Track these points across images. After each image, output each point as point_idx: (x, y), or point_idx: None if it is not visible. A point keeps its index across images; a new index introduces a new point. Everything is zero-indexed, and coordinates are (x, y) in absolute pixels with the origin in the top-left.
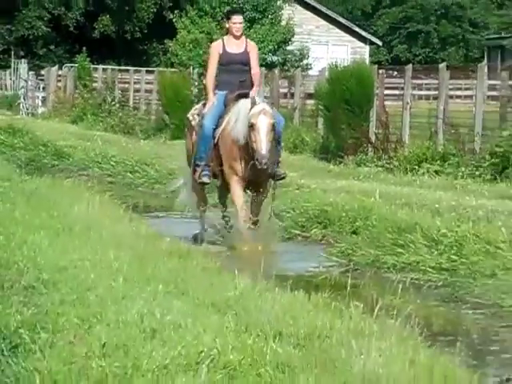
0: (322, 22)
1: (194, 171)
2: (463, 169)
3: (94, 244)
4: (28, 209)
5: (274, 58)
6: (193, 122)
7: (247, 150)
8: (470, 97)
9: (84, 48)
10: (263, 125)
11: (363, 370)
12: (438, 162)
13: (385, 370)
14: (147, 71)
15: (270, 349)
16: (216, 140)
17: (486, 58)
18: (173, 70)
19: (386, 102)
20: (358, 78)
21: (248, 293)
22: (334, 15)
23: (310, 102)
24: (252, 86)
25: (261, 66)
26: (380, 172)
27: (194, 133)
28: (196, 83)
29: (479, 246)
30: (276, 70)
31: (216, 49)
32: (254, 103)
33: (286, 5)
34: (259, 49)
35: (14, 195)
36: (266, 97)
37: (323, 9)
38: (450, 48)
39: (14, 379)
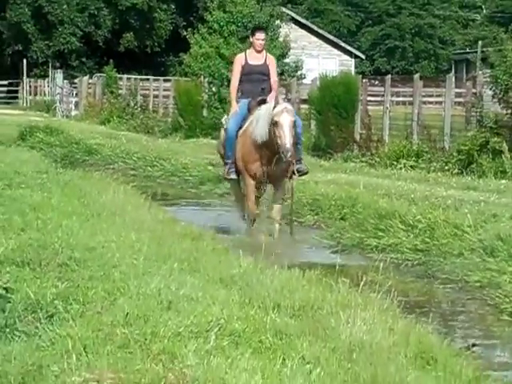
0: (314, 39)
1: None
2: (434, 164)
3: (119, 227)
4: (62, 197)
5: None
6: (225, 126)
7: (266, 149)
8: (440, 103)
9: (111, 60)
10: (286, 121)
11: (350, 336)
12: (413, 158)
13: (368, 336)
14: (165, 80)
15: (270, 319)
16: (238, 140)
17: (453, 70)
18: (186, 79)
19: (369, 107)
20: (344, 87)
21: (251, 270)
22: (324, 33)
23: (304, 106)
24: (270, 91)
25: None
26: (364, 167)
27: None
28: (206, 90)
29: (448, 229)
30: None
31: (239, 61)
32: (277, 102)
33: (284, 24)
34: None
35: (50, 185)
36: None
37: (315, 27)
38: (423, 61)
39: (50, 343)
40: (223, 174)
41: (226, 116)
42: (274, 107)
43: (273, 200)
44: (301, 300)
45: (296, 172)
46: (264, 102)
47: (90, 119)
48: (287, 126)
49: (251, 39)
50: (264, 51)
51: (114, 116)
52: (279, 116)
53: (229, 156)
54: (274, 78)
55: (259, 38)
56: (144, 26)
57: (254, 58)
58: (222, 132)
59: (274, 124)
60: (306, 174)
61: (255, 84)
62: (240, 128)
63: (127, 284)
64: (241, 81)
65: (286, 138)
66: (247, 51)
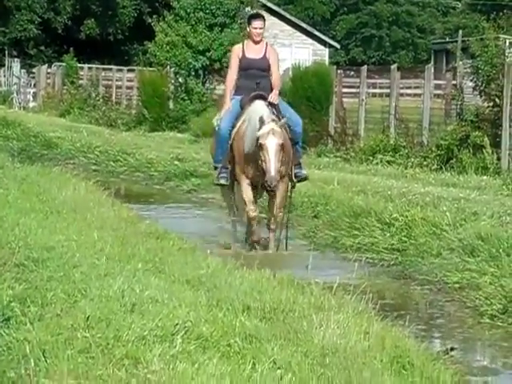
0: (286, 27)
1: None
2: (412, 159)
3: (80, 226)
4: (20, 194)
5: None
6: (216, 127)
7: (255, 158)
8: (419, 95)
9: (71, 48)
10: (272, 146)
11: (323, 340)
12: (390, 153)
13: (342, 340)
14: (128, 70)
15: (239, 322)
16: (231, 141)
17: (432, 60)
18: (151, 69)
19: (344, 99)
20: (318, 78)
21: (219, 271)
22: (297, 21)
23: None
24: (270, 89)
25: None
26: (338, 162)
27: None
28: (172, 81)
29: (426, 228)
30: None
31: (236, 53)
32: (262, 122)
33: (254, 11)
34: (229, 51)
35: (7, 181)
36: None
37: (287, 15)
38: (401, 51)
39: (6, 348)
40: (214, 179)
41: (217, 115)
42: (260, 128)
43: (270, 208)
44: (271, 302)
45: (294, 177)
46: (258, 97)
47: (49, 111)
48: (273, 150)
49: (248, 29)
50: (264, 42)
51: (74, 108)
52: (265, 139)
53: (219, 160)
54: (275, 73)
55: (256, 26)
56: (106, 13)
57: (253, 51)
58: (214, 136)
59: (260, 146)
60: (305, 179)
61: (251, 80)
62: (233, 127)
63: (88, 285)
64: (238, 75)
65: (272, 165)
66: (245, 42)
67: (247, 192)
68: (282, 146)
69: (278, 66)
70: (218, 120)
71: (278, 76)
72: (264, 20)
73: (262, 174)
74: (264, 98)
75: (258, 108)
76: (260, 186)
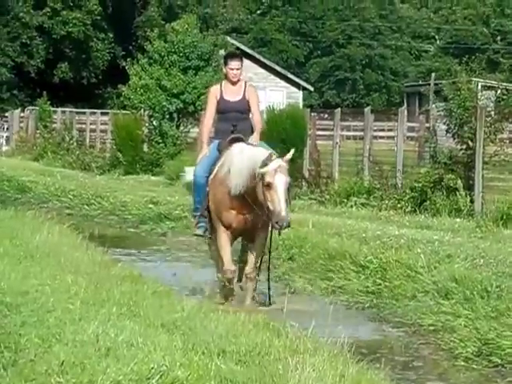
0: (261, 70)
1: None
2: (386, 202)
3: (54, 270)
4: None
5: None
6: (187, 178)
7: (242, 200)
8: (392, 137)
9: (44, 92)
10: (281, 184)
11: (298, 383)
12: (365, 195)
13: (318, 383)
14: (102, 113)
15: (215, 365)
16: (208, 188)
17: (405, 103)
18: (125, 112)
19: (318, 142)
20: (292, 120)
21: (194, 314)
22: (271, 64)
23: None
24: (250, 132)
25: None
26: (313, 204)
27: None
28: (146, 124)
29: (401, 270)
30: None
31: (213, 94)
32: (269, 159)
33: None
34: (203, 94)
35: None
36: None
37: (261, 58)
38: (374, 94)
39: None
40: (192, 230)
41: (185, 167)
42: (265, 164)
43: (249, 252)
44: (247, 345)
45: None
46: (236, 140)
47: (22, 155)
48: (282, 189)
49: (224, 69)
50: (242, 82)
51: (48, 152)
52: (272, 177)
53: (197, 208)
54: (256, 116)
55: (233, 67)
56: (80, 56)
57: (231, 93)
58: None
59: (267, 185)
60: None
61: (228, 123)
62: (210, 173)
63: (63, 330)
64: (215, 118)
65: (282, 205)
66: (222, 83)
67: (225, 247)
68: (289, 185)
69: (259, 107)
70: (188, 170)
71: (259, 118)
72: (241, 59)
73: (244, 218)
74: (241, 140)
75: (240, 149)
76: (242, 235)
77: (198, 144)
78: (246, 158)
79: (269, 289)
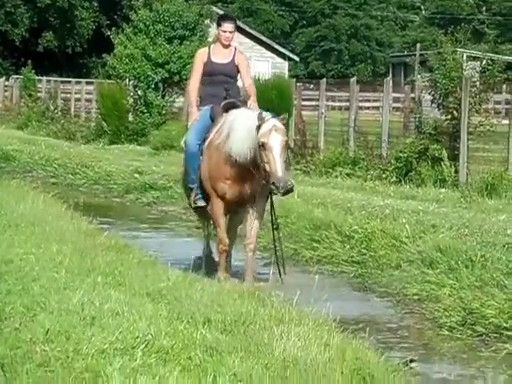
0: (246, 40)
1: (189, 197)
2: (372, 172)
3: (38, 239)
4: None
5: None
6: (184, 148)
7: (242, 166)
8: (377, 108)
9: (29, 61)
10: (277, 144)
11: (284, 352)
12: (350, 165)
13: (303, 352)
14: (87, 82)
15: (200, 334)
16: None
17: (390, 74)
18: (110, 81)
19: (304, 112)
20: (278, 91)
21: (179, 283)
22: (256, 34)
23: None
24: (239, 96)
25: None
26: (298, 174)
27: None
28: (131, 94)
29: (386, 240)
30: None
31: (200, 56)
32: (261, 119)
33: (213, 23)
34: (188, 64)
35: None
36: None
37: (247, 28)
38: (360, 64)
39: None
40: (188, 202)
41: (185, 136)
42: (259, 126)
43: (248, 221)
44: (232, 315)
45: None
46: (232, 106)
47: (7, 124)
48: (278, 149)
49: (216, 31)
50: (233, 47)
51: (32, 120)
52: (267, 137)
53: (193, 179)
54: (247, 79)
55: (226, 29)
56: (64, 25)
57: (219, 55)
58: (183, 156)
59: (262, 146)
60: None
61: (219, 87)
62: (204, 140)
63: (47, 299)
64: (201, 83)
65: (278, 165)
66: (211, 46)
67: (220, 219)
68: (287, 144)
69: (249, 72)
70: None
71: (250, 82)
72: (235, 22)
73: (241, 187)
74: (237, 107)
75: (241, 114)
76: (234, 206)
77: (184, 110)
78: (245, 124)
79: (283, 259)
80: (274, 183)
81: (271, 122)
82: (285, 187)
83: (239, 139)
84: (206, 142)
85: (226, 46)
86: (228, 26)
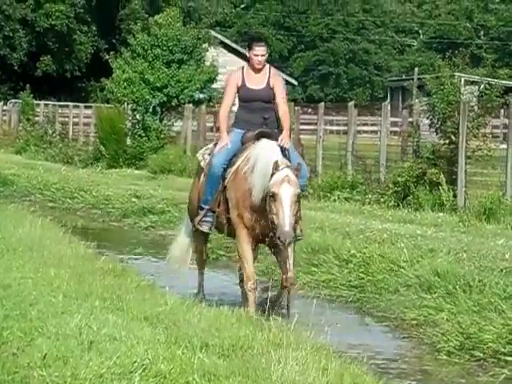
0: (244, 63)
1: (193, 216)
2: (370, 196)
3: (36, 263)
4: None
5: (201, 95)
6: (202, 163)
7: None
8: (375, 132)
9: (27, 85)
10: (287, 196)
11: (281, 377)
12: (348, 189)
13: (301, 377)
14: (85, 106)
15: (197, 359)
16: (226, 181)
17: (388, 98)
18: (108, 105)
19: (302, 136)
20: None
21: (177, 307)
22: None
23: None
24: (277, 122)
25: (189, 102)
26: None
27: (202, 175)
28: (130, 118)
29: (384, 265)
30: (203, 106)
31: (234, 81)
32: (275, 168)
33: (212, 47)
34: (186, 88)
35: None
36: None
37: (245, 52)
38: (358, 88)
39: None
40: (195, 223)
41: (202, 149)
42: (273, 174)
43: (281, 258)
44: (230, 339)
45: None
46: (265, 135)
47: (5, 148)
48: (288, 201)
49: (248, 54)
50: (266, 68)
51: (30, 145)
52: (278, 187)
53: (207, 200)
54: (281, 107)
55: (258, 52)
56: (63, 49)
57: (254, 80)
58: (201, 174)
59: (271, 196)
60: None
61: (255, 114)
62: (229, 165)
63: (45, 323)
64: (238, 108)
65: (286, 219)
66: (244, 68)
67: (247, 251)
68: (298, 197)
69: (285, 96)
70: (204, 155)
71: (286, 110)
72: (267, 44)
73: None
74: (270, 137)
75: (268, 149)
76: (267, 240)
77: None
78: (266, 164)
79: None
80: (278, 237)
81: (284, 171)
82: (291, 243)
83: (257, 178)
84: (233, 168)
85: (259, 70)
86: (260, 49)
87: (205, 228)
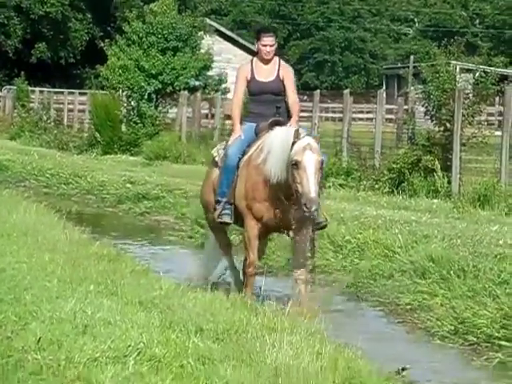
0: (239, 52)
1: (209, 210)
2: (364, 182)
3: (31, 248)
4: None
5: (196, 83)
6: (217, 158)
7: (279, 190)
8: (371, 119)
9: (22, 72)
10: (310, 163)
11: (276, 361)
12: (343, 176)
13: (295, 361)
14: (80, 93)
15: (192, 343)
16: (239, 170)
17: (384, 86)
18: (103, 92)
19: None
20: None
21: (172, 292)
22: (250, 46)
23: (229, 122)
24: (288, 114)
25: (184, 89)
26: None
27: (216, 170)
28: (125, 104)
29: (379, 250)
30: (198, 94)
31: (243, 73)
32: (297, 136)
33: (207, 35)
34: (181, 75)
35: None
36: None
37: (240, 40)
38: (353, 76)
39: None
40: (208, 217)
41: (218, 145)
42: (294, 143)
43: (293, 262)
44: (224, 323)
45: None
46: (278, 124)
47: (0, 134)
48: (312, 168)
49: (256, 45)
50: (276, 59)
51: (25, 131)
52: (301, 155)
53: (224, 192)
54: (291, 97)
55: (267, 43)
56: (58, 36)
57: (263, 73)
58: (213, 168)
59: (294, 165)
60: (324, 227)
61: (266, 106)
62: (243, 154)
63: (39, 307)
64: (248, 100)
65: (311, 185)
66: (253, 60)
67: (253, 241)
68: (321, 164)
69: (294, 87)
70: (219, 150)
71: (295, 99)
72: (276, 34)
73: (279, 212)
74: (283, 124)
75: (284, 131)
76: (270, 230)
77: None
78: (282, 143)
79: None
80: (305, 204)
81: (306, 140)
82: (317, 209)
83: (274, 158)
84: (245, 158)
85: (268, 61)
86: (269, 40)
87: (226, 219)
